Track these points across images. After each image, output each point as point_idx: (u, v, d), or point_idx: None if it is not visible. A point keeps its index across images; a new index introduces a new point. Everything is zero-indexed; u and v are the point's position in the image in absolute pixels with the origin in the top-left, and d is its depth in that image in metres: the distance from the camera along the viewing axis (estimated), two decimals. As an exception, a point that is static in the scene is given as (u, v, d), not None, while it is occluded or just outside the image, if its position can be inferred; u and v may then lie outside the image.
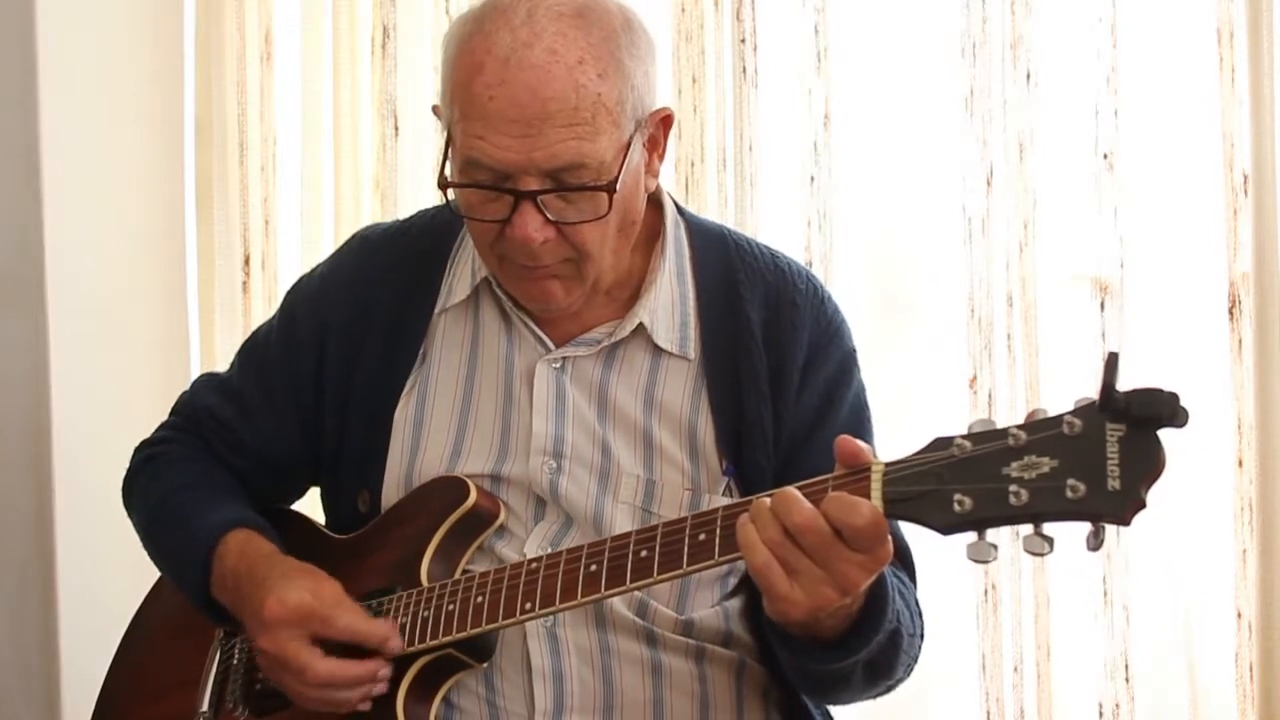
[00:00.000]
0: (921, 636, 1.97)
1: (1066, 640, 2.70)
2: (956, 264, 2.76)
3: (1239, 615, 2.60)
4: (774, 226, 2.84)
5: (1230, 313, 2.59)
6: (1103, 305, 2.66)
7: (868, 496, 1.66)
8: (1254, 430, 2.57)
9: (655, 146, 1.96)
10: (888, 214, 2.86)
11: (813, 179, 2.84)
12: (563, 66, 1.84)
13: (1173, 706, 2.69)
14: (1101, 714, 2.67)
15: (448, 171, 1.92)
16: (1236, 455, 2.59)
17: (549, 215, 1.87)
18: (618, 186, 1.88)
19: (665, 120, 1.96)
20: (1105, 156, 2.66)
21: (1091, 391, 2.64)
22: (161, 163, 3.24)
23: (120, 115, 3.19)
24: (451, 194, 1.93)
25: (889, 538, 1.68)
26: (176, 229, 3.25)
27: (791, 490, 1.69)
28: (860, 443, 1.70)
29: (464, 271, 2.07)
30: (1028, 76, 2.71)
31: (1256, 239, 2.56)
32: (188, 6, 3.24)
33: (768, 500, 1.69)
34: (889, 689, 1.97)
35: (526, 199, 1.86)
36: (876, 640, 1.80)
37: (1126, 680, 2.66)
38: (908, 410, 2.70)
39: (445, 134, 1.93)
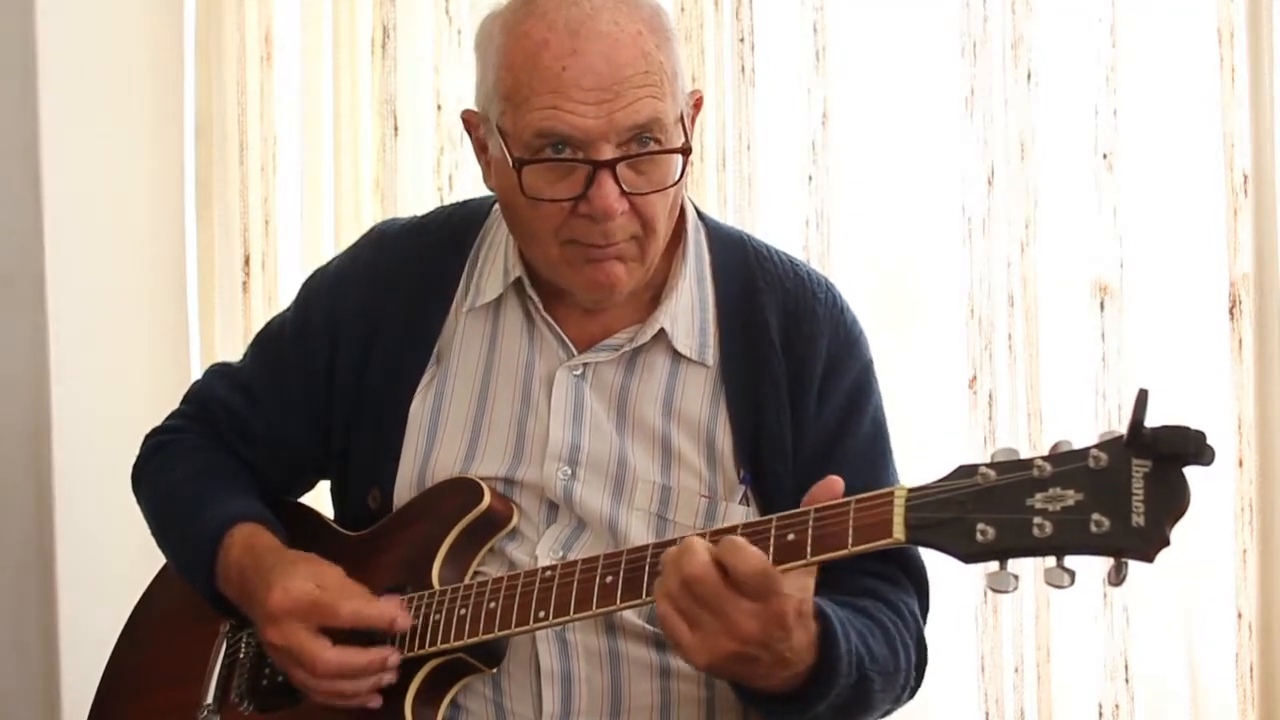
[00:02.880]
0: (917, 666, 1.97)
1: (1066, 640, 2.70)
2: (956, 264, 2.76)
3: (1239, 615, 2.60)
4: (773, 226, 2.84)
5: (1230, 313, 2.60)
6: (1103, 305, 2.67)
7: (890, 522, 1.66)
8: (1254, 430, 2.57)
9: (690, 125, 1.96)
10: (887, 214, 2.85)
11: (811, 178, 2.85)
12: (628, 35, 1.86)
13: (1173, 707, 2.69)
14: (1101, 714, 2.67)
15: (516, 153, 1.88)
16: (1236, 455, 2.59)
17: (624, 187, 1.87)
18: (690, 147, 1.89)
19: (698, 102, 1.98)
20: (1105, 156, 2.66)
21: (1092, 394, 2.66)
22: (161, 163, 3.24)
23: (120, 115, 3.18)
24: (518, 179, 1.89)
25: (781, 592, 1.69)
26: (176, 229, 3.25)
27: (692, 539, 1.70)
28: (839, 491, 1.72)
29: (494, 271, 2.05)
30: (1028, 76, 2.71)
31: (1256, 239, 2.56)
32: (188, 6, 3.24)
33: (674, 550, 1.71)
34: (885, 715, 1.97)
35: (604, 169, 1.85)
36: (835, 693, 1.80)
37: (1126, 680, 2.66)
38: (908, 411, 2.68)
39: (495, 131, 1.91)
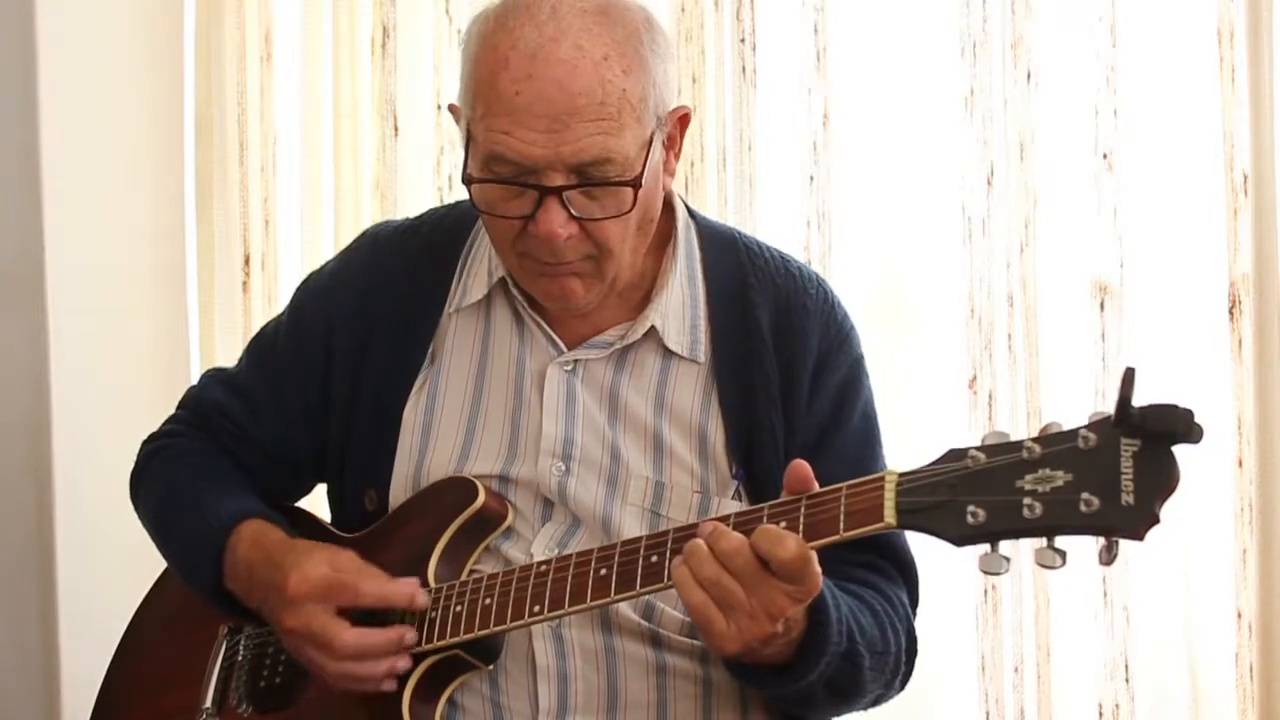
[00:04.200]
0: (907, 653, 1.98)
1: (1066, 640, 2.70)
2: (956, 264, 2.76)
3: (1239, 615, 2.60)
4: (773, 226, 2.84)
5: (1230, 313, 2.60)
6: (1103, 305, 2.67)
7: (881, 506, 1.67)
8: (1254, 430, 2.57)
9: (673, 145, 1.96)
10: (887, 214, 2.85)
11: (812, 179, 2.85)
12: (589, 62, 1.84)
13: (1173, 707, 2.69)
14: (1101, 714, 2.67)
15: (470, 169, 1.91)
16: (1236, 455, 2.59)
17: (573, 211, 1.87)
18: (642, 181, 1.88)
19: (683, 119, 1.97)
20: (1105, 156, 2.66)
21: (1092, 393, 2.66)
22: (161, 163, 3.24)
23: (120, 115, 3.18)
24: (469, 192, 1.92)
25: (818, 569, 1.72)
26: (176, 229, 3.24)
27: (718, 524, 1.73)
28: (809, 475, 1.74)
29: (480, 272, 2.06)
30: (1028, 76, 2.71)
31: (1256, 239, 2.56)
32: (188, 6, 3.24)
33: (703, 542, 1.72)
34: (877, 701, 1.98)
35: (551, 195, 1.86)
36: (825, 662, 1.82)
37: (1126, 680, 2.66)
38: (908, 411, 2.69)
39: (464, 132, 1.92)
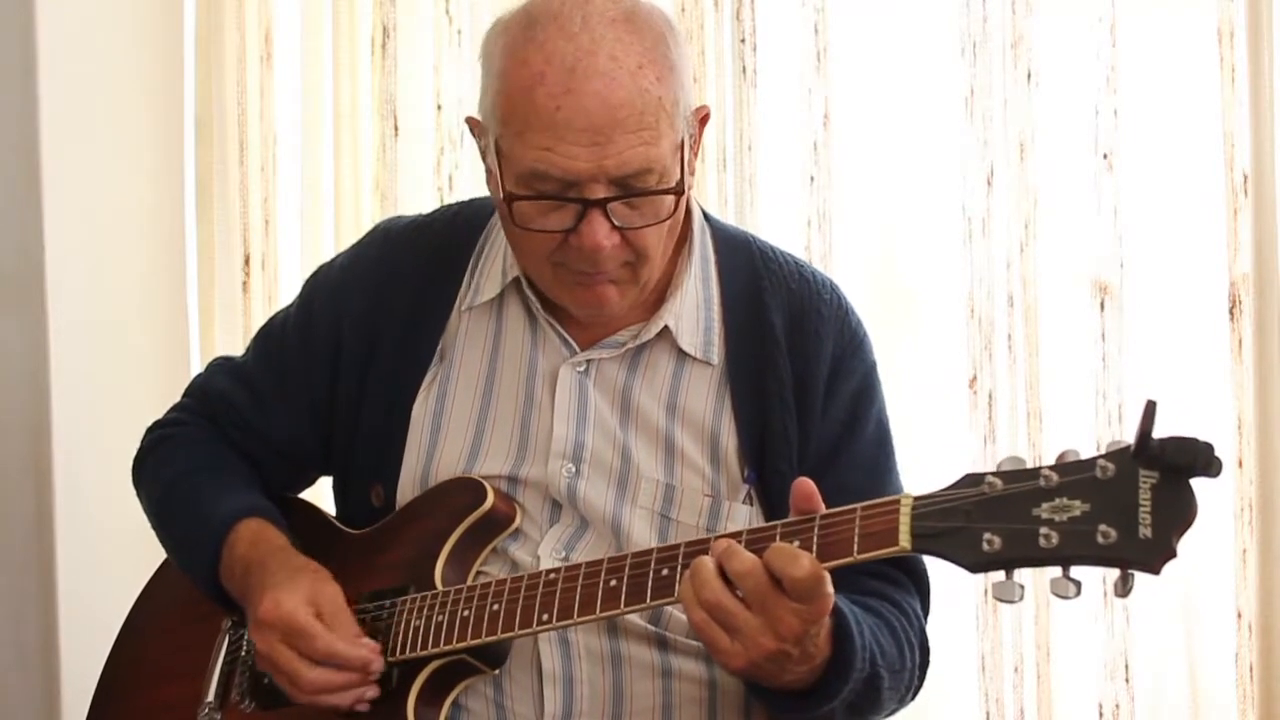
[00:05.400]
0: (920, 666, 1.98)
1: (1066, 640, 2.70)
2: (956, 264, 2.77)
3: (1239, 615, 2.60)
4: (774, 226, 2.84)
5: (1230, 313, 2.60)
6: (1103, 305, 2.67)
7: (896, 530, 1.67)
8: (1254, 430, 2.57)
9: (694, 144, 1.95)
10: (888, 214, 2.86)
11: (813, 179, 2.85)
12: (626, 72, 1.82)
13: (1173, 706, 2.69)
14: (1101, 714, 2.67)
15: (507, 185, 1.89)
16: (1236, 455, 2.59)
17: (615, 221, 1.86)
18: (684, 187, 1.88)
19: (704, 118, 1.96)
20: (1105, 156, 2.67)
21: (1092, 393, 2.66)
22: (161, 163, 3.23)
23: (120, 115, 3.18)
24: (506, 208, 1.90)
25: (830, 589, 1.71)
26: (176, 229, 3.24)
27: (731, 542, 1.72)
28: (814, 492, 1.73)
29: (493, 271, 2.05)
30: (1028, 76, 2.71)
31: (1256, 239, 2.57)
32: (188, 6, 3.24)
33: (710, 561, 1.71)
34: (889, 715, 1.98)
35: (595, 207, 1.85)
36: (848, 689, 1.81)
37: (1126, 680, 2.66)
38: (908, 411, 2.69)
39: (492, 148, 1.90)
